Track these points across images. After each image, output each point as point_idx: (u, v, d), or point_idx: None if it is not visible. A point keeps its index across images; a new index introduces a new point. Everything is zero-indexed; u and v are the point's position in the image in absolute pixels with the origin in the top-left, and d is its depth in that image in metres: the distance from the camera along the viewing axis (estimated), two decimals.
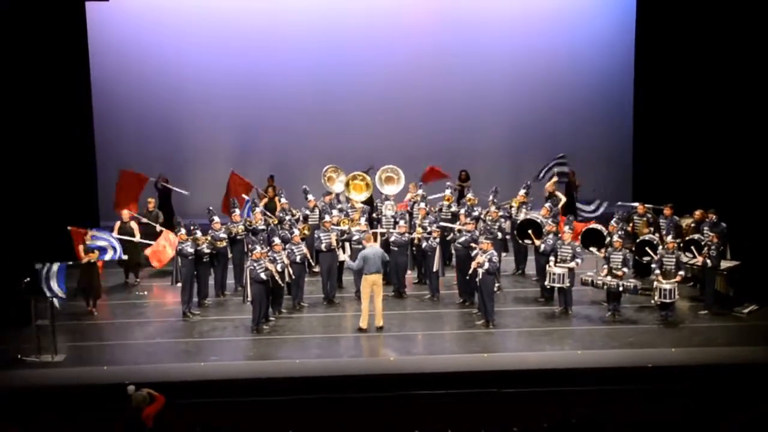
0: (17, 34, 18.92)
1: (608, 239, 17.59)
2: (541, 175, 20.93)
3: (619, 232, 17.46)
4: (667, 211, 18.60)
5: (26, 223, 18.14)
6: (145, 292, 18.92)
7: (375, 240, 16.95)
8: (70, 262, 17.12)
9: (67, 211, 19.59)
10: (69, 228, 18.24)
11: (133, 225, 19.29)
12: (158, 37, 23.32)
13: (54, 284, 16.46)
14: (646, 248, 17.60)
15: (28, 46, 19.15)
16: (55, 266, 16.54)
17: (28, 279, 15.91)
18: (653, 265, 16.95)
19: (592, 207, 20.34)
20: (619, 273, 16.70)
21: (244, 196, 20.35)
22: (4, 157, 18.12)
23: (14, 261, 17.03)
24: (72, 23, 21.06)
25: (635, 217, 18.92)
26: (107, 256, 18.18)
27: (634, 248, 17.90)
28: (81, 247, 18.03)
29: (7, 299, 16.20)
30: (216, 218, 18.23)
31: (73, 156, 20.95)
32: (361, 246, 17.27)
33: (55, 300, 16.43)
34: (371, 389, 14.59)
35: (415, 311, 17.59)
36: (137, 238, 19.16)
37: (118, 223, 19.25)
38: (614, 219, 18.24)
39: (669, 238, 17.14)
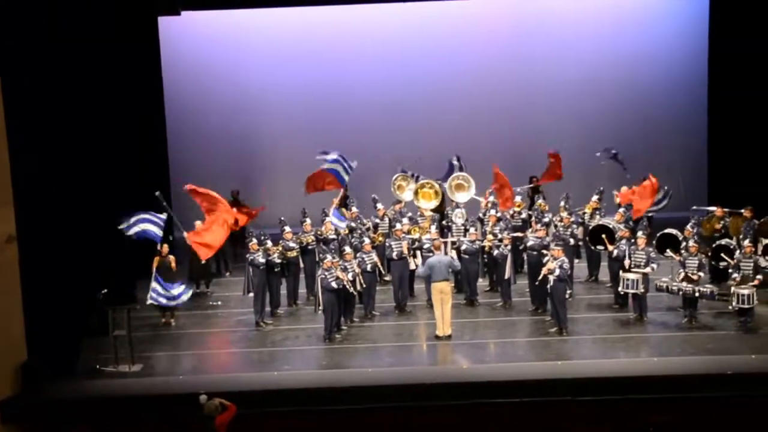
0: (92, 48, 19.27)
1: (683, 244, 17.28)
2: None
3: (695, 237, 17.15)
4: (746, 213, 18.26)
5: (101, 235, 18.41)
6: (219, 302, 19.12)
7: (439, 249, 16.92)
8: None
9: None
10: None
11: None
12: (229, 49, 23.61)
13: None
14: (722, 254, 17.25)
15: (102, 60, 19.51)
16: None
17: (106, 290, 16.21)
18: (730, 270, 16.61)
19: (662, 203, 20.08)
20: (695, 277, 16.40)
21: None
22: (82, 171, 18.43)
23: (92, 272, 17.33)
24: (145, 37, 21.43)
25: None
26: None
27: (710, 253, 17.56)
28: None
29: (86, 310, 16.50)
30: (287, 228, 18.32)
31: (146, 168, 21.24)
32: (431, 254, 17.25)
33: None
34: (444, 397, 14.53)
35: (488, 319, 17.47)
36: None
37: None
38: (690, 223, 17.94)
39: (746, 242, 16.78)
